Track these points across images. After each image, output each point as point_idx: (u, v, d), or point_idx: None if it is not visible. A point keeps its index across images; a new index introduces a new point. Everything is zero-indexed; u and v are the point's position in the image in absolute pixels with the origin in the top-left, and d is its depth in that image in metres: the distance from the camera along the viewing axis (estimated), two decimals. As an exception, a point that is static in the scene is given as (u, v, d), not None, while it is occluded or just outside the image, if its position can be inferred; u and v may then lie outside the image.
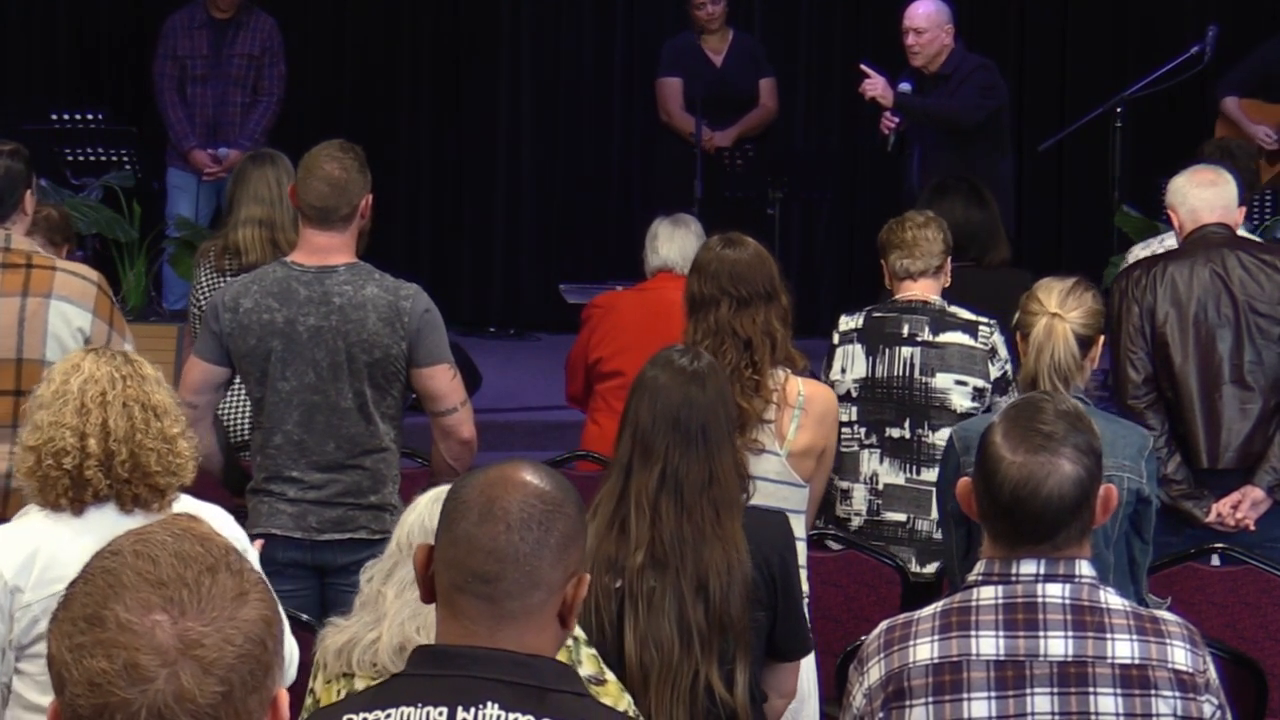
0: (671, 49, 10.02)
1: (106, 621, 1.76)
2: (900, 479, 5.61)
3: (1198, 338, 5.68)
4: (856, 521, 5.68)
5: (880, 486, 5.65)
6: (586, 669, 3.37)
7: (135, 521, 3.66)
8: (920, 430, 5.63)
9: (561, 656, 3.29)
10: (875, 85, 8.40)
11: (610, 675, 3.42)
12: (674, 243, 6.54)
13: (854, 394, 5.70)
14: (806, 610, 4.78)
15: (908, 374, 5.67)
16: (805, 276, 11.06)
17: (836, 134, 11.57)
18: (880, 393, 5.69)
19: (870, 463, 5.66)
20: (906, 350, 5.68)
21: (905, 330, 5.70)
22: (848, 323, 5.77)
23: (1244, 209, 6.03)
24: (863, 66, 8.51)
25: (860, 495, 5.67)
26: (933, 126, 8.49)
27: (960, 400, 5.62)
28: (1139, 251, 6.86)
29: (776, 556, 4.04)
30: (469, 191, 11.74)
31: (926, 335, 5.68)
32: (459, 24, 11.66)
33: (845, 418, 5.66)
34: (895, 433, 5.65)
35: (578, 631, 3.37)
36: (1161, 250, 6.62)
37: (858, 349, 5.72)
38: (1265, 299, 5.70)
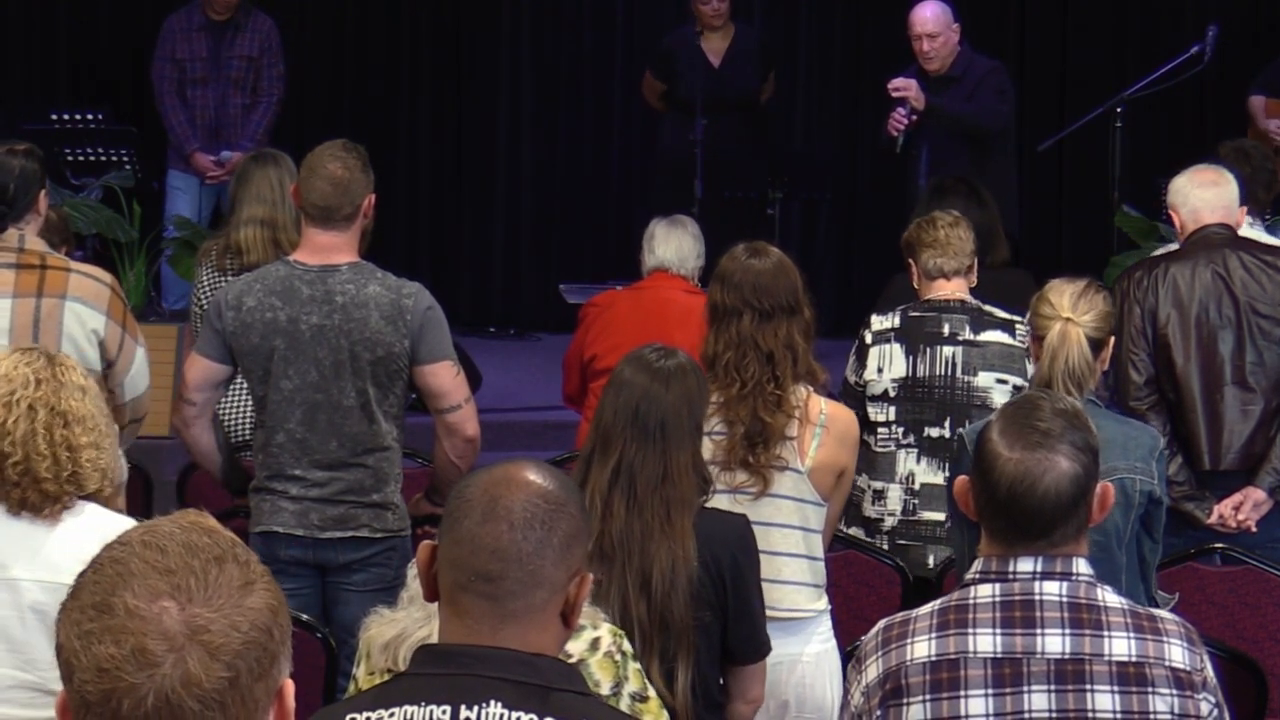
0: (666, 50, 9.96)
1: (115, 608, 1.78)
2: (939, 478, 5.58)
3: (1199, 339, 5.68)
4: (890, 521, 5.65)
5: (917, 486, 5.63)
6: (632, 684, 3.36)
7: (21, 525, 3.70)
8: (961, 429, 5.62)
9: (608, 670, 3.31)
10: (909, 88, 8.38)
11: (652, 692, 3.42)
12: (670, 243, 6.57)
13: (892, 394, 5.68)
14: (828, 618, 4.79)
15: (949, 373, 5.66)
16: (805, 277, 11.06)
17: (836, 134, 11.57)
18: (921, 392, 5.67)
19: (907, 462, 5.63)
20: (948, 349, 5.67)
21: (946, 329, 5.68)
22: (882, 322, 5.73)
23: (1245, 208, 6.03)
24: (891, 85, 8.47)
25: (896, 495, 5.64)
26: (960, 130, 8.45)
27: (1001, 399, 5.58)
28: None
29: (728, 557, 4.03)
30: (469, 191, 11.75)
31: (967, 334, 5.67)
32: (459, 24, 11.67)
33: (882, 417, 5.66)
34: (934, 432, 5.63)
35: (626, 646, 3.38)
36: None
37: (896, 348, 5.69)
38: (1267, 300, 5.70)
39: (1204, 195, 5.83)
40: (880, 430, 5.66)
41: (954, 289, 5.76)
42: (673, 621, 3.89)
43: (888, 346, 5.71)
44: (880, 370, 5.70)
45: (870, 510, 5.69)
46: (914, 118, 8.41)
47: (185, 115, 9.63)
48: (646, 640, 3.85)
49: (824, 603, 4.77)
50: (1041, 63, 11.32)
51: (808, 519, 4.71)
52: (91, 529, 3.72)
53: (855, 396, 5.77)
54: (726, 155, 9.59)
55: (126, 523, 3.72)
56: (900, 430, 5.66)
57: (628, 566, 3.89)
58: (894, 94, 8.41)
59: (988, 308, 5.74)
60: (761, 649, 4.17)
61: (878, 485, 5.68)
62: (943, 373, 5.66)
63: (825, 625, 4.76)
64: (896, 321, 5.73)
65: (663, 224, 6.70)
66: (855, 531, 5.69)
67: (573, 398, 6.82)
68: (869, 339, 5.74)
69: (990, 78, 8.52)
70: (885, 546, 5.62)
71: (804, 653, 4.64)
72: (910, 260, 5.85)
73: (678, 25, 10.25)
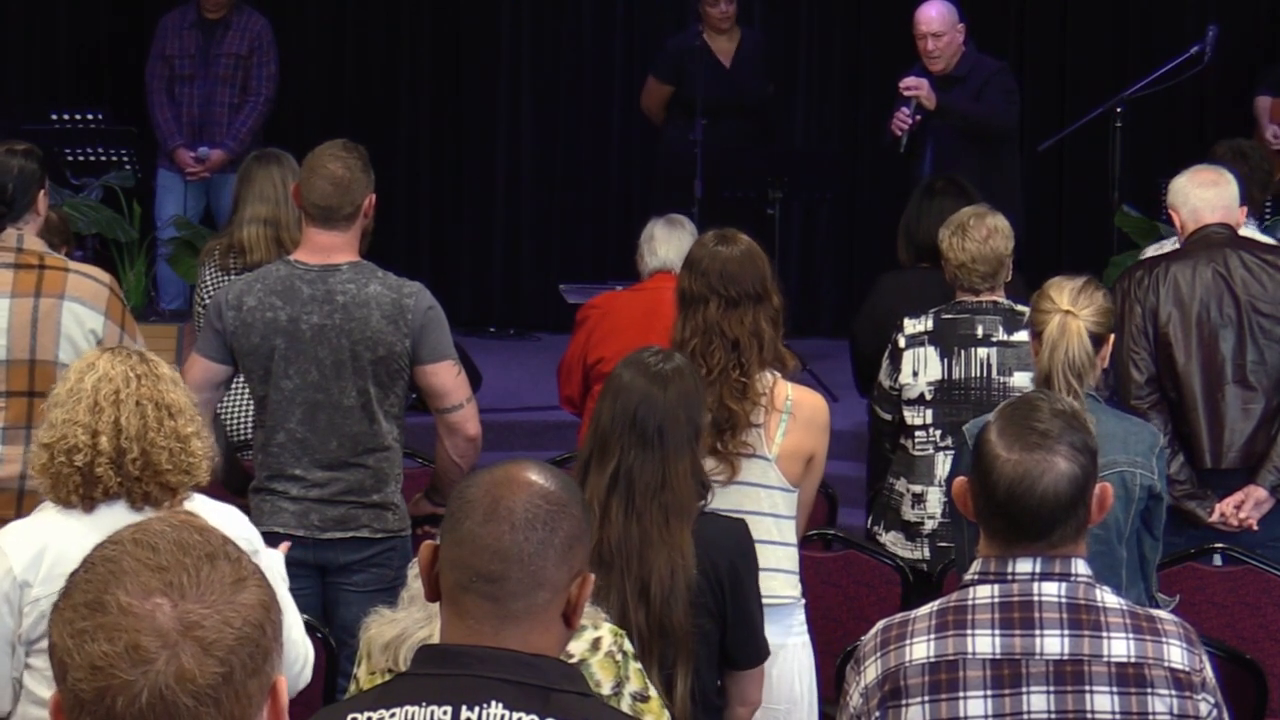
0: (673, 52, 9.92)
1: (108, 606, 1.78)
2: None
3: (1200, 338, 5.69)
4: (930, 525, 5.66)
5: None
6: (634, 684, 3.36)
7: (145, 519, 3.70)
8: (965, 427, 5.62)
9: (609, 670, 3.31)
10: (921, 86, 8.36)
11: (654, 692, 3.42)
12: (671, 243, 6.56)
13: (928, 397, 5.69)
14: (803, 611, 4.80)
15: (985, 374, 5.67)
16: (805, 276, 11.05)
17: (836, 134, 11.56)
18: (958, 394, 5.68)
19: (946, 465, 5.62)
20: (983, 351, 5.69)
21: (979, 331, 5.70)
22: (915, 325, 5.75)
23: (1245, 208, 6.03)
24: (903, 83, 8.46)
25: (935, 498, 5.64)
26: (969, 130, 8.43)
27: None
28: (1151, 253, 6.85)
29: (726, 563, 4.03)
30: (469, 191, 11.75)
31: (1001, 335, 5.69)
32: (459, 24, 11.67)
33: (919, 421, 5.69)
34: None
35: (626, 646, 3.38)
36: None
37: (930, 351, 5.71)
38: (1268, 299, 5.71)
39: (1204, 195, 5.84)
40: (918, 434, 5.68)
41: (986, 292, 5.76)
42: (672, 629, 3.88)
43: (922, 350, 5.72)
44: (915, 374, 5.71)
45: (910, 514, 5.69)
46: (918, 117, 8.39)
47: (171, 111, 9.60)
48: (645, 647, 3.83)
49: (799, 590, 4.77)
50: (1041, 63, 11.32)
51: (777, 505, 4.71)
52: (209, 519, 3.73)
53: (890, 400, 5.78)
54: (726, 155, 9.58)
55: (232, 511, 3.85)
56: (938, 433, 5.67)
57: (626, 574, 3.88)
58: (905, 92, 8.38)
59: (1019, 307, 5.74)
60: (761, 653, 4.17)
61: (917, 489, 5.69)
62: (978, 374, 5.68)
63: (800, 617, 4.76)
64: (930, 324, 5.74)
65: (661, 225, 6.69)
66: (895, 536, 5.70)
67: (573, 400, 6.80)
68: (902, 343, 5.75)
69: (996, 78, 8.51)
70: (926, 550, 5.63)
71: (784, 644, 4.64)
72: (944, 263, 5.83)
73: (680, 27, 10.24)
